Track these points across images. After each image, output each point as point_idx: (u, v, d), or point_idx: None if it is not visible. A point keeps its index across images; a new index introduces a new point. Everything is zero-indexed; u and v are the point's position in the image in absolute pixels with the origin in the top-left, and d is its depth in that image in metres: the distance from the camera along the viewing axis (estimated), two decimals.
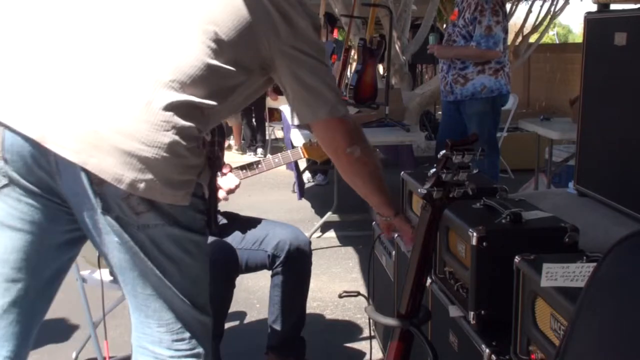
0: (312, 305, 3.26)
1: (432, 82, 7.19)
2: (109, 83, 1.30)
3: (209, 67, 1.34)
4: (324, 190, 5.84)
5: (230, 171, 2.32)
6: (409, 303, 1.55)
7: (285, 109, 5.48)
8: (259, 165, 2.34)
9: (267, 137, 8.31)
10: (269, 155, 2.39)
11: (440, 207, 1.48)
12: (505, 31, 4.09)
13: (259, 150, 8.18)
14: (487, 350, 1.58)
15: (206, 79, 1.35)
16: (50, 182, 1.36)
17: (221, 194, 2.28)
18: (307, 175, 6.08)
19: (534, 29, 9.39)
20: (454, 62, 4.13)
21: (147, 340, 1.45)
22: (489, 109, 4.08)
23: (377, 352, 2.72)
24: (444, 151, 1.44)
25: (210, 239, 2.20)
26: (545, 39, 16.77)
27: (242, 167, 2.33)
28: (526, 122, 4.75)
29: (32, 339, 1.57)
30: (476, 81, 4.03)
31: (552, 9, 8.99)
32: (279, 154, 2.37)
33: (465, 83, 4.06)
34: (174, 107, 1.32)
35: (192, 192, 1.38)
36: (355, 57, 5.74)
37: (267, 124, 8.26)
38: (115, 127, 1.28)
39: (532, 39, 9.46)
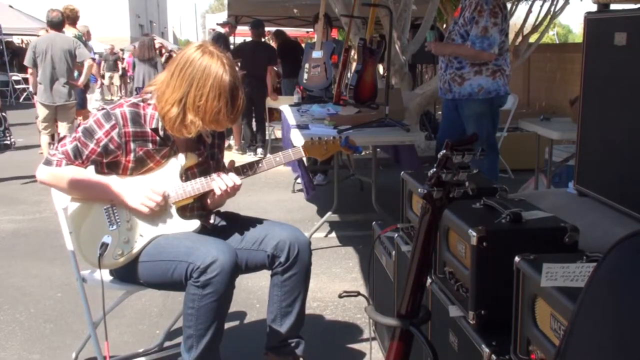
0: (312, 305, 3.26)
1: (432, 82, 7.20)
2: None
3: None
4: (324, 190, 5.85)
5: (233, 166, 2.32)
6: (409, 303, 1.55)
7: (285, 109, 5.48)
8: (260, 165, 2.33)
9: (267, 137, 8.31)
10: (269, 155, 2.38)
11: (440, 207, 1.48)
12: (505, 34, 4.06)
13: (259, 150, 8.19)
14: (487, 350, 1.58)
15: None
16: None
17: (219, 192, 2.27)
18: None
19: (534, 29, 9.38)
20: (451, 61, 4.13)
21: None
22: (487, 110, 4.07)
23: (377, 353, 2.72)
24: (444, 151, 1.44)
25: (210, 239, 2.20)
26: (545, 39, 16.77)
27: (242, 167, 2.33)
28: (526, 122, 4.74)
29: None
30: (473, 82, 4.03)
31: (552, 9, 8.99)
32: (279, 153, 2.36)
33: (462, 82, 4.06)
34: None
35: None
36: (355, 57, 5.73)
37: (267, 124, 8.26)
38: None
39: (532, 39, 9.45)
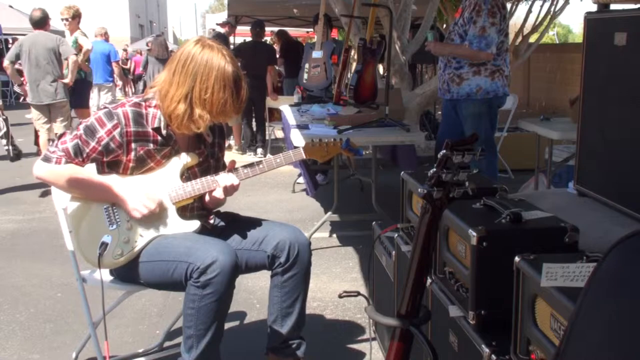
0: (312, 305, 3.26)
1: (432, 82, 7.20)
2: None
3: None
4: (324, 190, 5.85)
5: (234, 167, 2.32)
6: (409, 303, 1.55)
7: (285, 109, 5.48)
8: (260, 166, 2.33)
9: (267, 137, 8.31)
10: (270, 156, 2.38)
11: (440, 207, 1.48)
12: (504, 34, 4.06)
13: (259, 150, 8.19)
14: (487, 350, 1.58)
15: None
16: None
17: (218, 192, 2.28)
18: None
19: (534, 29, 9.39)
20: (450, 61, 4.13)
21: None
22: (485, 111, 4.07)
23: (377, 352, 2.72)
24: (444, 151, 1.44)
25: (210, 239, 2.20)
26: (545, 39, 16.78)
27: (243, 168, 2.33)
28: (526, 122, 4.75)
29: None
30: (472, 82, 4.03)
31: (552, 9, 8.99)
32: (280, 154, 2.36)
33: (461, 82, 4.06)
34: None
35: None
36: (355, 57, 5.74)
37: (267, 124, 8.26)
38: None
39: (532, 39, 9.46)
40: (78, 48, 6.99)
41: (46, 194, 5.69)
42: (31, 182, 6.20)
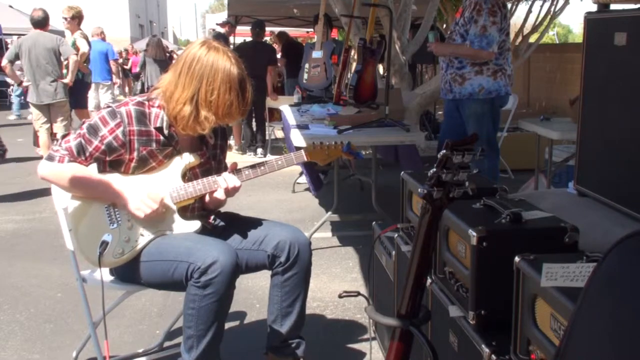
0: (312, 305, 3.26)
1: (432, 82, 7.20)
2: None
3: None
4: (324, 190, 5.84)
5: (236, 169, 2.33)
6: (409, 303, 1.55)
7: (285, 109, 5.48)
8: (262, 167, 2.33)
9: (267, 137, 8.31)
10: (272, 158, 2.38)
11: (440, 207, 1.48)
12: (506, 33, 4.07)
13: (259, 150, 8.19)
14: (487, 350, 1.58)
15: None
16: None
17: (219, 193, 2.28)
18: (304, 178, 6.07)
19: (534, 29, 9.38)
20: (452, 61, 4.14)
21: None
22: (487, 110, 4.07)
23: (377, 352, 2.72)
24: (443, 151, 1.44)
25: (211, 239, 2.20)
26: (545, 39, 16.77)
27: (245, 169, 2.33)
28: (526, 122, 4.75)
29: None
30: (474, 81, 4.03)
31: (552, 9, 8.99)
32: (282, 157, 2.36)
33: (463, 82, 4.06)
34: None
35: None
36: (355, 57, 5.73)
37: (267, 124, 8.26)
38: None
39: (532, 39, 9.44)
40: (75, 49, 6.99)
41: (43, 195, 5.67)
42: (31, 182, 6.21)
